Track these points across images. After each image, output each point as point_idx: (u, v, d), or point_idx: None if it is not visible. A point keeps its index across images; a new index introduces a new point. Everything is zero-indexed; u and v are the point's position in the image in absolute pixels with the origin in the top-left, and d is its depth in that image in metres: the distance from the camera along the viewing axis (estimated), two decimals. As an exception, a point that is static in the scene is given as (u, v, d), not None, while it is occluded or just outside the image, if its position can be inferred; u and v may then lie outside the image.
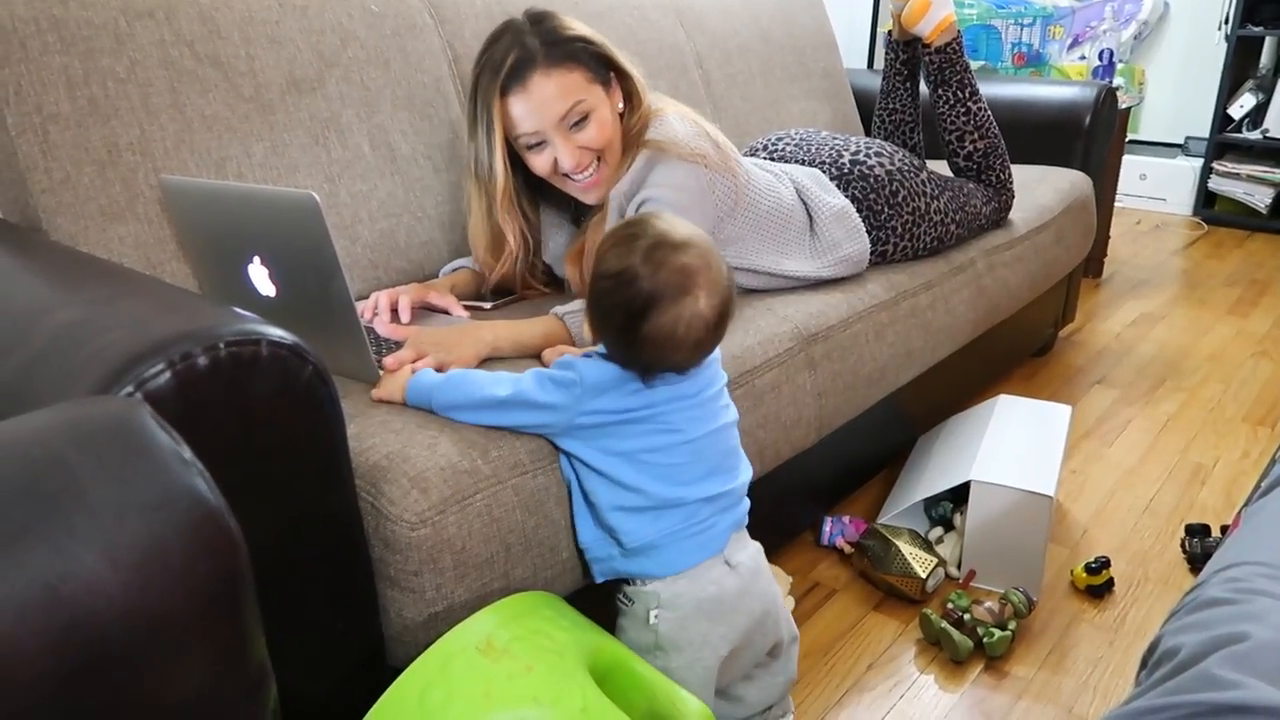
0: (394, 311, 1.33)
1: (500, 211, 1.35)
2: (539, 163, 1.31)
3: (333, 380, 0.84)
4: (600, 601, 1.09)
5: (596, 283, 0.99)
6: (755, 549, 1.09)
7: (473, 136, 1.32)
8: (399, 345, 1.21)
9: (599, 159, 1.32)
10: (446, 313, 1.38)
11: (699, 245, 0.98)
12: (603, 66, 1.32)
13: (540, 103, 1.26)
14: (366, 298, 1.40)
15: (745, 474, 1.08)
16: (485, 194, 1.35)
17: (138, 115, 1.25)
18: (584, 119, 1.28)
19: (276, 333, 0.78)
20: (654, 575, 1.01)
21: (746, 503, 1.09)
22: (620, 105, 1.35)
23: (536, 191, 1.45)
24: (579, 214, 1.46)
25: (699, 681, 1.03)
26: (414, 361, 1.10)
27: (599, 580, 1.06)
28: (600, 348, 1.03)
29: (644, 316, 0.95)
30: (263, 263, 1.08)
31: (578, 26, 1.30)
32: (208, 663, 0.57)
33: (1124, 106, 3.02)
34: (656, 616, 1.01)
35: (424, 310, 1.38)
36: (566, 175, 1.32)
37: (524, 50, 1.25)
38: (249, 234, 1.08)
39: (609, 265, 0.98)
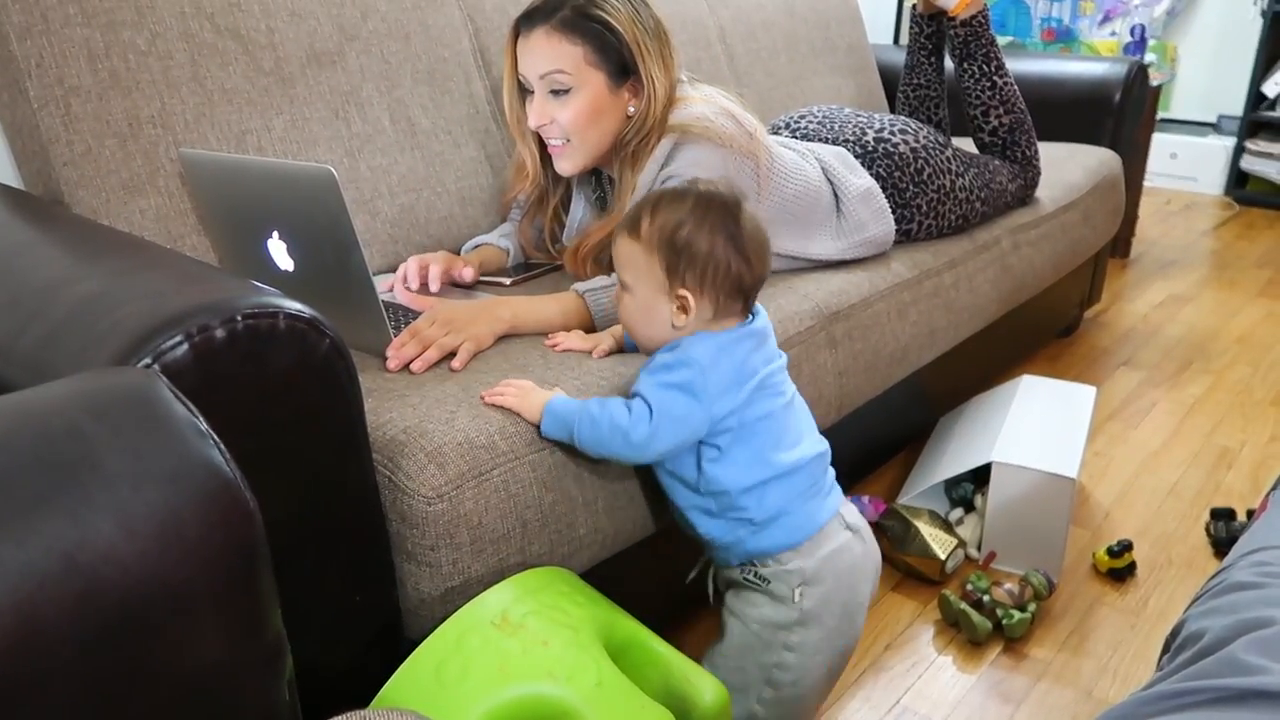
0: (422, 283, 1.33)
1: (513, 134, 1.41)
2: (525, 111, 1.35)
3: (350, 354, 0.84)
4: (616, 578, 1.09)
5: (673, 241, 0.98)
6: (854, 507, 1.10)
7: None
8: (417, 316, 1.21)
9: (568, 139, 1.32)
10: (468, 288, 1.38)
11: (714, 179, 1.05)
12: (620, 62, 1.30)
13: (531, 54, 1.29)
14: (384, 273, 1.41)
15: (824, 439, 1.09)
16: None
17: (158, 88, 1.25)
18: (564, 93, 1.29)
19: (294, 306, 0.78)
20: (789, 546, 1.01)
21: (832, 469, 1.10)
22: (631, 109, 1.33)
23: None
24: (604, 204, 1.46)
25: (835, 650, 1.05)
26: (422, 353, 1.10)
27: (736, 564, 1.05)
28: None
29: (740, 229, 0.99)
30: (281, 237, 1.08)
31: (620, 13, 1.28)
32: (223, 632, 0.57)
33: (1155, 84, 2.97)
34: (801, 594, 1.01)
35: (446, 286, 1.38)
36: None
37: (550, 3, 1.28)
38: (268, 208, 1.08)
39: (671, 227, 0.98)
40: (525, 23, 1.29)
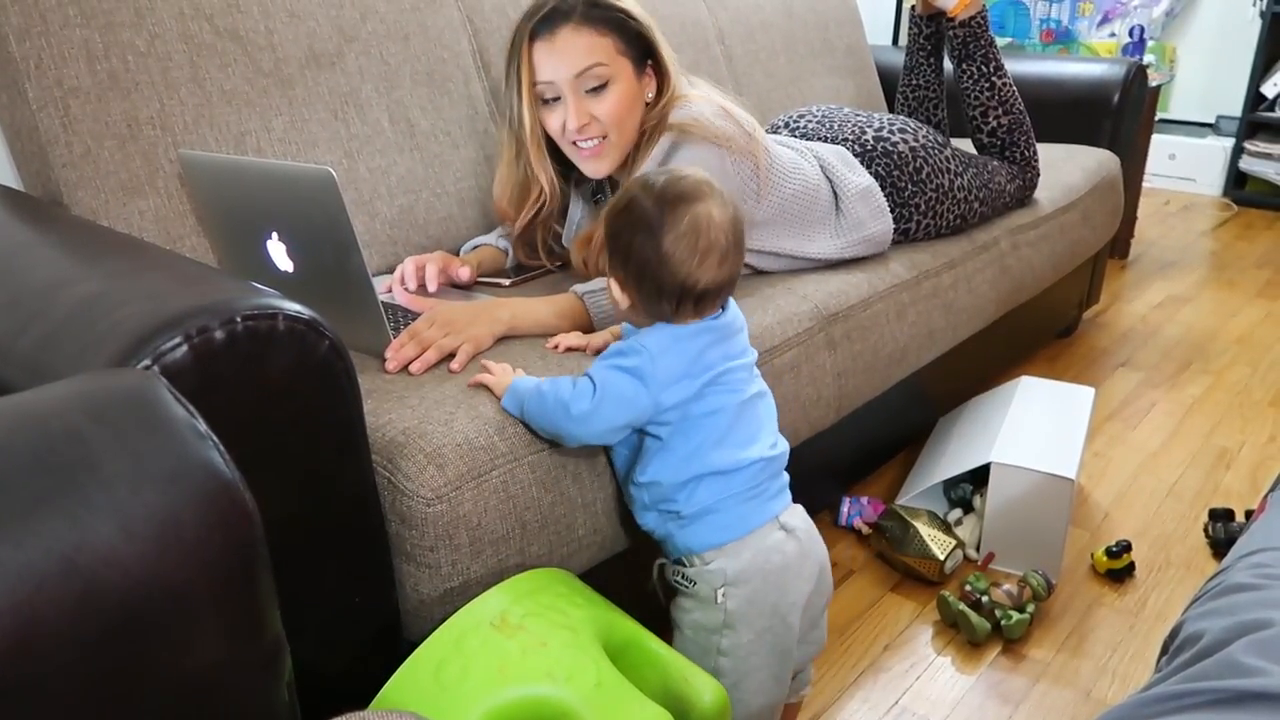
0: (420, 284, 1.33)
1: (531, 155, 1.35)
2: (552, 120, 1.31)
3: (349, 355, 0.84)
4: (615, 579, 1.09)
5: (611, 226, 1.00)
6: (801, 509, 1.08)
7: (507, 82, 1.33)
8: (416, 317, 1.21)
9: (605, 135, 1.31)
10: (466, 289, 1.38)
11: (696, 173, 1.00)
12: (640, 48, 1.31)
13: (561, 55, 1.26)
14: (383, 274, 1.41)
15: (784, 443, 1.08)
16: (515, 140, 1.36)
17: (158, 89, 1.25)
18: (602, 87, 1.28)
19: (293, 307, 0.78)
20: (714, 545, 1.00)
21: (786, 475, 1.09)
22: (650, 94, 1.33)
23: (567, 172, 1.44)
24: (602, 202, 1.46)
25: (770, 651, 1.03)
26: (421, 355, 1.10)
27: (673, 558, 1.05)
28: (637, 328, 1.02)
29: (662, 226, 0.95)
30: (280, 238, 1.08)
31: (629, 1, 1.30)
32: (222, 634, 0.57)
33: (1154, 84, 2.97)
34: (724, 595, 1.00)
35: (445, 287, 1.38)
36: (574, 142, 1.32)
37: (564, 3, 1.27)
38: (267, 209, 1.08)
39: (617, 208, 1.00)
40: (544, 26, 1.26)
